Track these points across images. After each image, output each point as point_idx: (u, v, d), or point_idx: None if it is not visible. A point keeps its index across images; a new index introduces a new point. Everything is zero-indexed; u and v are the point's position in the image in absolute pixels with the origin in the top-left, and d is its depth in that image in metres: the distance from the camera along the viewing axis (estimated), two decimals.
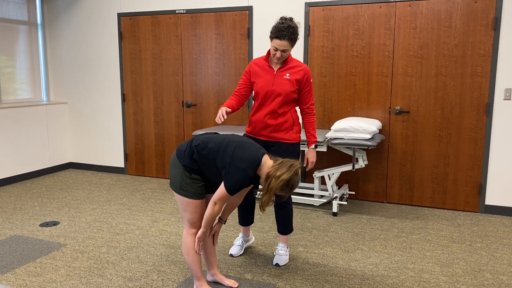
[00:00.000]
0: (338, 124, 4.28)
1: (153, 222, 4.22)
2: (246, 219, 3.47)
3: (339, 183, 5.04)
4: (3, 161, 5.56)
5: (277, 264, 3.26)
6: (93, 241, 3.74)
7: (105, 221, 4.24)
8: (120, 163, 6.16)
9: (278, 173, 2.47)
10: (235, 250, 3.45)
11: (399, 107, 4.67)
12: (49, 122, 6.14)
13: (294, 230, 4.02)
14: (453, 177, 4.57)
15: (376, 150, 4.83)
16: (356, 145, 4.19)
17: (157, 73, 5.72)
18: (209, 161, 2.62)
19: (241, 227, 3.53)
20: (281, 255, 3.32)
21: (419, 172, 4.69)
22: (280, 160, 2.56)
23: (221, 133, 3.82)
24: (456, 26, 4.36)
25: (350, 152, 4.46)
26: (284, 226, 3.32)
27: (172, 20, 5.51)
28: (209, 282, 3.02)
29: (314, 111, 3.25)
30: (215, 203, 2.60)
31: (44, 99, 6.36)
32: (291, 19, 2.98)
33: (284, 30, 2.89)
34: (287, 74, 3.05)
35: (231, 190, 2.54)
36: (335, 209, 4.42)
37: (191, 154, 2.65)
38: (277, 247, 3.38)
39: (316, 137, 3.22)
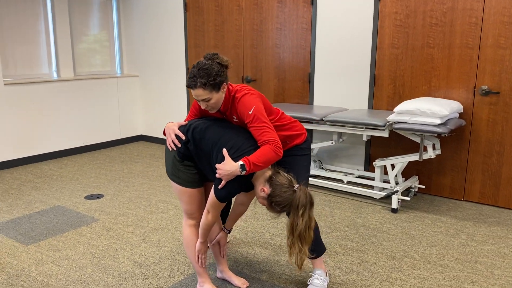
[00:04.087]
0: (403, 106, 3.61)
1: None
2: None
3: (407, 174, 4.34)
4: (75, 131, 5.79)
5: None
6: (124, 219, 3.65)
7: (146, 198, 4.14)
8: None
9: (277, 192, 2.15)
10: None
11: (486, 87, 3.80)
12: (120, 94, 6.26)
13: (337, 226, 3.51)
14: None
15: (455, 138, 4.03)
16: (422, 131, 3.50)
17: (219, 46, 5.44)
18: (202, 155, 2.28)
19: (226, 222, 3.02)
20: (316, 285, 2.57)
21: (508, 166, 3.81)
22: (278, 172, 2.22)
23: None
24: None
25: (417, 139, 3.76)
26: (311, 247, 2.57)
27: None
28: (217, 279, 2.71)
29: (275, 144, 2.18)
30: (208, 211, 2.29)
31: (118, 72, 6.49)
32: (211, 56, 2.24)
33: (194, 77, 2.19)
34: (234, 117, 2.40)
35: (221, 198, 2.18)
36: (394, 204, 3.79)
37: (186, 140, 2.32)
38: (312, 273, 2.65)
39: (248, 160, 2.10)
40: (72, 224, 3.53)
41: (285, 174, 2.21)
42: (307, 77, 4.80)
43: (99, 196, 4.18)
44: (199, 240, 2.42)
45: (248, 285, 2.63)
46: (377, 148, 4.46)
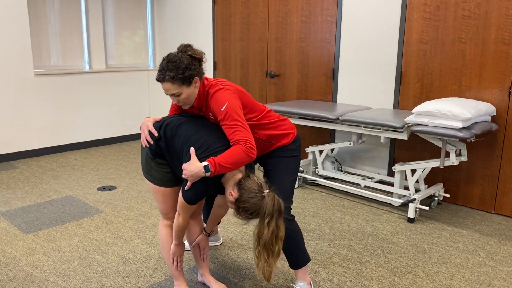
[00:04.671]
0: (423, 106, 3.29)
1: None
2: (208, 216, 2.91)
3: (432, 181, 3.99)
4: (104, 122, 5.90)
5: None
6: (127, 212, 3.62)
7: None
8: None
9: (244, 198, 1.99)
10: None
11: None
12: (150, 87, 6.30)
13: (343, 234, 3.27)
14: None
15: (486, 144, 3.64)
16: (442, 135, 3.17)
17: (244, 39, 5.30)
18: (174, 153, 2.16)
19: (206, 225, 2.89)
20: None
21: None
22: (249, 175, 2.05)
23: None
24: None
25: (439, 144, 3.42)
26: (291, 256, 2.38)
27: None
28: (197, 283, 2.59)
29: (246, 145, 2.01)
30: (179, 213, 2.17)
31: (151, 65, 6.53)
32: (183, 48, 2.10)
33: (162, 70, 2.06)
34: (210, 114, 2.23)
35: (188, 200, 2.05)
36: (411, 213, 3.48)
37: (158, 137, 2.21)
38: (294, 286, 2.47)
39: (213, 161, 1.95)
40: (75, 215, 3.56)
41: (256, 178, 2.04)
42: (330, 72, 4.54)
43: (111, 188, 4.20)
44: (173, 242, 2.31)
45: None
46: (401, 151, 4.14)
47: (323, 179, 4.27)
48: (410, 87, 3.99)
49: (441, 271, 2.74)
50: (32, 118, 5.22)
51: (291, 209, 2.38)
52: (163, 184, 2.24)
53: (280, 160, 2.38)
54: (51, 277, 2.62)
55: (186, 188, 2.05)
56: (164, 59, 2.10)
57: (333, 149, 4.38)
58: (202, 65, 2.16)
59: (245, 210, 1.99)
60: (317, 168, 4.34)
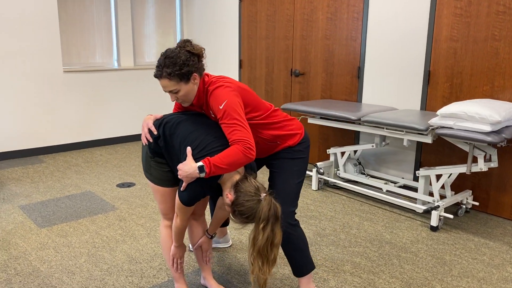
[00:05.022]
0: (449, 108, 3.08)
1: None
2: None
3: (460, 187, 3.75)
4: (131, 119, 5.96)
5: None
6: (142, 210, 3.61)
7: None
8: None
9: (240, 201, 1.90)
10: None
11: None
12: None
13: (359, 240, 3.11)
14: None
15: None
16: (469, 139, 2.95)
17: (269, 37, 5.20)
18: (173, 152, 2.10)
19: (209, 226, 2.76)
20: None
21: None
22: (246, 177, 1.96)
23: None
24: None
25: (466, 148, 3.20)
26: (294, 262, 2.27)
27: None
28: (200, 286, 2.52)
29: (245, 145, 1.92)
30: (177, 215, 2.11)
31: None
32: (181, 44, 2.04)
33: (160, 66, 2.01)
34: (211, 112, 2.14)
35: (184, 201, 1.99)
36: (434, 221, 3.27)
37: (157, 136, 2.15)
38: None
39: (208, 161, 1.87)
40: (91, 211, 3.58)
41: (253, 181, 1.94)
42: (356, 71, 4.36)
43: (130, 185, 4.21)
44: (173, 244, 2.26)
45: None
46: (428, 155, 3.92)
47: (344, 182, 4.11)
48: (438, 88, 3.77)
49: (461, 285, 2.55)
50: (60, 114, 5.33)
51: (295, 213, 2.27)
52: (162, 183, 2.19)
53: (285, 162, 2.27)
54: (57, 273, 2.62)
55: (181, 188, 1.98)
56: (162, 55, 2.04)
57: (356, 151, 4.21)
58: (202, 61, 2.09)
59: (240, 213, 1.90)
60: (338, 170, 4.18)
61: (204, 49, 2.11)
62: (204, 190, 1.98)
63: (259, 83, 5.43)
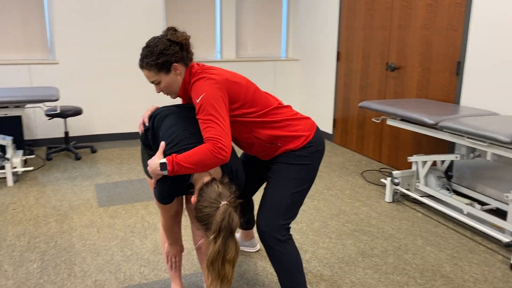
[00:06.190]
0: None
1: None
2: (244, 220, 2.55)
3: None
4: None
5: None
6: None
7: None
8: (328, 129, 5.60)
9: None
10: None
11: None
12: (276, 77, 6.18)
13: (407, 268, 2.60)
14: None
15: None
16: None
17: (367, 27, 4.71)
18: (158, 146, 2.00)
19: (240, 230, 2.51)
20: None
21: None
22: (213, 181, 1.77)
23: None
24: None
25: None
26: (280, 283, 2.01)
27: None
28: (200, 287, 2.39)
29: (215, 144, 1.72)
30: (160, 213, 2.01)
31: (283, 56, 6.41)
32: (164, 32, 1.93)
33: (141, 56, 1.92)
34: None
35: (157, 198, 1.87)
36: None
37: (147, 127, 2.07)
38: None
39: (171, 159, 1.72)
40: (150, 196, 3.70)
41: (220, 185, 1.73)
42: (455, 67, 3.67)
43: None
44: (167, 242, 2.17)
45: None
46: None
47: (420, 196, 3.51)
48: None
49: None
50: (161, 103, 5.66)
51: (288, 228, 1.97)
52: None
53: (283, 167, 1.99)
54: (84, 252, 2.76)
55: (153, 185, 1.87)
56: (145, 46, 1.94)
57: (443, 161, 3.55)
58: (186, 49, 1.93)
59: (198, 219, 1.72)
60: (419, 182, 3.59)
61: (189, 37, 1.94)
62: (171, 189, 1.83)
63: (355, 77, 4.98)
